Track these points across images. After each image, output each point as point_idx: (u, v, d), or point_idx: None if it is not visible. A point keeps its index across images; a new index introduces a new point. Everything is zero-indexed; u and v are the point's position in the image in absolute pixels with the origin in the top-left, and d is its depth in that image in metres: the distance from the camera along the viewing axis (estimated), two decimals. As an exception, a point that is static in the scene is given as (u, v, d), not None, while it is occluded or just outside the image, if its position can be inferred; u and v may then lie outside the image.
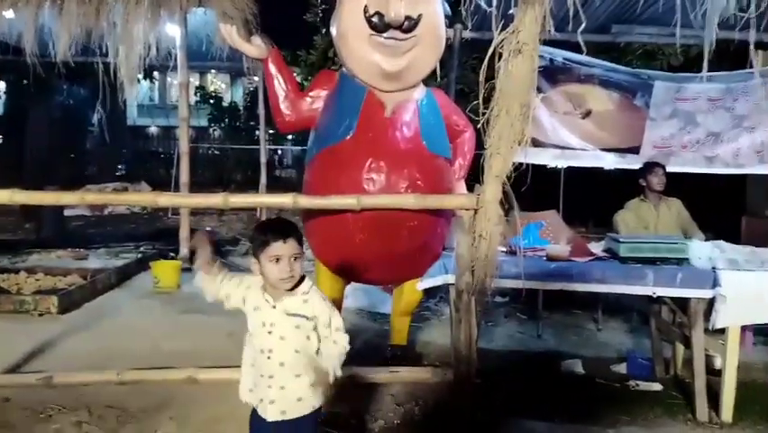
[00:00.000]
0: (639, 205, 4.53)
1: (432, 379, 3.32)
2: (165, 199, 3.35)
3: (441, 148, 3.40)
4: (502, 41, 2.70)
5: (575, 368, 3.92)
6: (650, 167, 4.56)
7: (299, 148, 17.24)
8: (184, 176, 6.52)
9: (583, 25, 2.67)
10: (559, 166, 5.70)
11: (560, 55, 5.07)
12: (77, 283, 5.29)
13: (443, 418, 3.08)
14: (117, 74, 6.31)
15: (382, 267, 3.41)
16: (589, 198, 6.99)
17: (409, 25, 3.14)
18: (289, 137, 17.71)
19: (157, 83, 19.84)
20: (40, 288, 5.19)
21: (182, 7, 6.14)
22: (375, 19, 3.12)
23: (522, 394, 3.43)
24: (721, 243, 3.47)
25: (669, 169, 4.64)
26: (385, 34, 3.16)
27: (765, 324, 3.36)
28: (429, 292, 3.98)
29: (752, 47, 3.38)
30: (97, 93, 6.70)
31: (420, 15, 3.15)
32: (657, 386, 3.67)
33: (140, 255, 6.86)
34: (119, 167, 18.46)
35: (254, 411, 2.08)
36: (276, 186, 10.71)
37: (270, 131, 12.19)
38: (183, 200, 4.53)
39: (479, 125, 2.89)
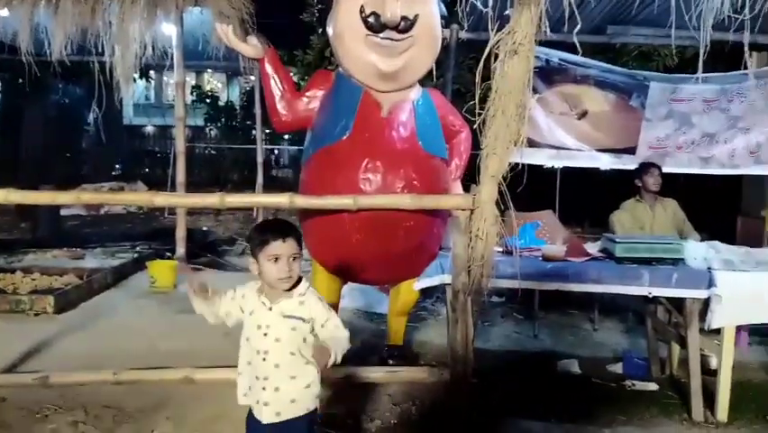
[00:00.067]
0: (635, 205, 4.54)
1: (428, 379, 3.32)
2: (161, 199, 3.34)
3: (437, 148, 3.41)
4: (498, 41, 2.70)
5: (571, 368, 3.93)
6: (646, 167, 4.58)
7: (296, 148, 17.21)
8: (180, 175, 6.50)
9: (579, 26, 2.67)
10: (555, 166, 5.71)
11: (556, 56, 5.08)
12: (73, 283, 5.28)
13: (439, 417, 3.08)
14: (113, 73, 6.28)
15: (379, 267, 3.41)
16: (584, 199, 7.02)
17: (406, 26, 3.14)
18: (286, 137, 17.68)
19: (153, 82, 19.80)
20: (36, 287, 5.18)
21: (178, 6, 6.12)
22: (371, 19, 3.12)
23: (518, 394, 3.44)
24: (716, 243, 3.48)
25: (664, 169, 4.65)
26: (381, 34, 3.16)
27: (760, 324, 3.38)
28: (426, 292, 3.98)
29: (746, 48, 3.40)
30: (93, 92, 6.66)
31: (416, 16, 3.16)
32: (653, 386, 3.68)
33: (136, 255, 6.85)
34: (115, 166, 18.41)
35: (250, 413, 2.08)
36: (273, 186, 10.72)
37: (267, 130, 12.19)
38: (179, 200, 4.52)
39: (475, 126, 2.89)
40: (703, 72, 3.75)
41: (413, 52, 3.24)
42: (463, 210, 2.99)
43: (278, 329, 2.00)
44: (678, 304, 3.43)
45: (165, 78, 24.00)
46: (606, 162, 5.42)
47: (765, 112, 5.13)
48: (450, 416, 3.03)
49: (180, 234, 6.53)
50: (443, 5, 3.60)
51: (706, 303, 3.25)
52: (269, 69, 3.40)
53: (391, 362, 3.60)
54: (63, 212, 8.84)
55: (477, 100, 2.76)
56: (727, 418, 3.25)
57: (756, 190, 6.34)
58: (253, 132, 13.92)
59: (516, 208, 2.97)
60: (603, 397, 3.52)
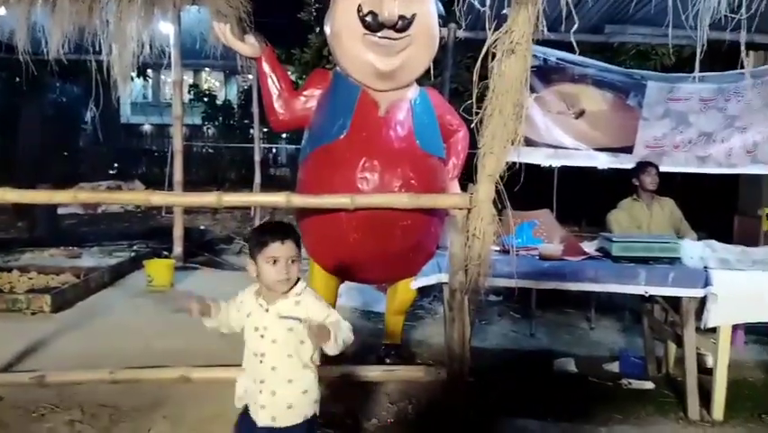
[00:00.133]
0: (632, 204, 4.55)
1: (425, 377, 3.33)
2: (158, 198, 3.34)
3: (434, 147, 3.41)
4: (495, 40, 2.70)
5: (568, 367, 3.93)
6: (643, 166, 4.59)
7: (294, 147, 17.21)
8: (178, 174, 6.51)
9: (576, 25, 2.68)
10: (552, 165, 5.72)
11: (553, 55, 5.09)
12: (70, 282, 5.27)
13: (436, 416, 3.09)
14: (110, 72, 6.29)
15: (376, 266, 3.41)
16: (582, 198, 7.03)
17: (403, 25, 3.14)
18: (284, 136, 17.66)
19: (150, 81, 19.84)
20: (33, 286, 5.17)
21: (176, 5, 6.13)
22: (369, 18, 3.12)
23: (515, 393, 3.45)
24: (713, 242, 3.49)
25: (661, 168, 4.67)
26: (379, 33, 3.16)
27: (756, 323, 3.39)
28: (423, 291, 3.99)
29: (743, 48, 3.41)
30: (90, 91, 6.66)
31: (414, 15, 3.15)
32: (649, 384, 3.69)
33: (133, 254, 6.83)
34: (113, 165, 18.39)
35: (244, 415, 2.06)
36: (270, 184, 10.72)
37: (265, 129, 12.17)
38: (177, 199, 4.52)
39: (472, 125, 2.90)
40: (700, 71, 3.78)
41: (410, 51, 3.24)
42: (460, 209, 2.99)
43: (275, 331, 1.99)
44: (674, 303, 3.44)
45: (162, 77, 23.93)
46: (603, 161, 5.43)
47: (762, 111, 5.15)
48: (447, 414, 3.04)
49: (177, 232, 6.54)
50: (440, 4, 3.60)
51: (702, 302, 3.26)
52: (266, 67, 3.40)
53: (388, 361, 3.61)
54: (60, 211, 8.82)
55: (474, 99, 2.76)
56: (723, 416, 3.26)
57: (753, 189, 6.36)
58: (251, 130, 13.92)
59: (513, 207, 2.98)
60: (599, 396, 3.53)
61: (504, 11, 2.74)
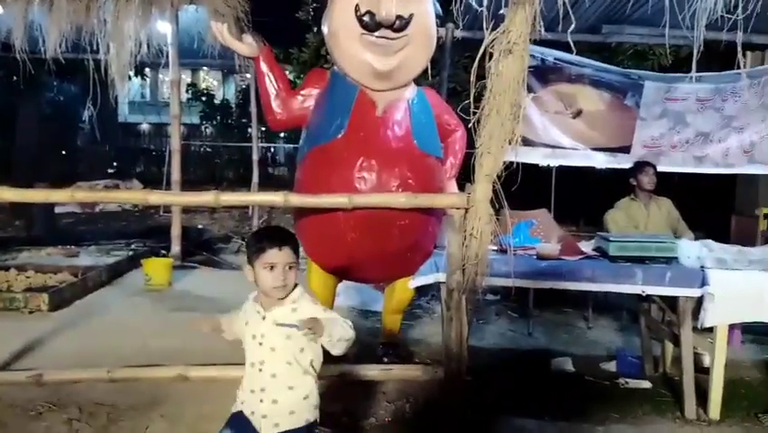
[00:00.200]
0: (629, 204, 4.56)
1: (423, 376, 3.33)
2: (156, 197, 3.34)
3: (432, 147, 3.41)
4: (493, 40, 2.71)
5: (565, 366, 3.94)
6: (640, 166, 4.60)
7: (292, 146, 17.22)
8: (175, 173, 6.51)
9: (573, 25, 2.69)
10: (550, 165, 5.72)
11: (551, 55, 5.10)
12: (67, 281, 5.26)
13: (434, 415, 3.09)
14: (108, 71, 6.28)
15: (374, 265, 3.42)
16: (579, 197, 7.04)
17: (400, 24, 3.14)
18: (282, 135, 17.69)
19: (148, 80, 19.81)
20: (30, 285, 5.16)
21: (173, 4, 6.13)
22: (366, 18, 3.12)
23: (512, 392, 3.45)
24: (709, 242, 3.49)
25: (659, 168, 4.68)
26: (376, 33, 3.16)
27: (753, 322, 3.40)
28: (421, 290, 3.99)
29: (740, 48, 3.42)
30: (88, 90, 6.65)
31: (411, 15, 3.15)
32: (646, 384, 3.70)
33: (131, 253, 6.83)
34: (111, 164, 18.36)
35: (236, 416, 2.04)
36: (268, 184, 10.70)
37: (263, 128, 12.19)
38: (174, 198, 4.52)
39: (470, 125, 2.90)
40: (697, 72, 3.78)
41: (408, 51, 3.24)
42: (458, 209, 2.99)
43: (273, 339, 1.97)
44: (671, 302, 3.45)
45: (160, 76, 23.92)
46: (600, 161, 5.44)
47: (759, 111, 5.17)
48: (444, 413, 3.04)
49: (175, 232, 6.54)
50: (437, 4, 3.60)
51: (699, 302, 3.27)
52: (264, 67, 3.40)
53: (386, 360, 3.61)
54: (58, 210, 8.82)
55: (472, 99, 2.77)
56: (720, 415, 3.27)
57: (750, 189, 6.38)
58: (249, 130, 13.90)
59: (510, 207, 2.98)
60: (596, 395, 3.54)
61: (501, 11, 2.74)
